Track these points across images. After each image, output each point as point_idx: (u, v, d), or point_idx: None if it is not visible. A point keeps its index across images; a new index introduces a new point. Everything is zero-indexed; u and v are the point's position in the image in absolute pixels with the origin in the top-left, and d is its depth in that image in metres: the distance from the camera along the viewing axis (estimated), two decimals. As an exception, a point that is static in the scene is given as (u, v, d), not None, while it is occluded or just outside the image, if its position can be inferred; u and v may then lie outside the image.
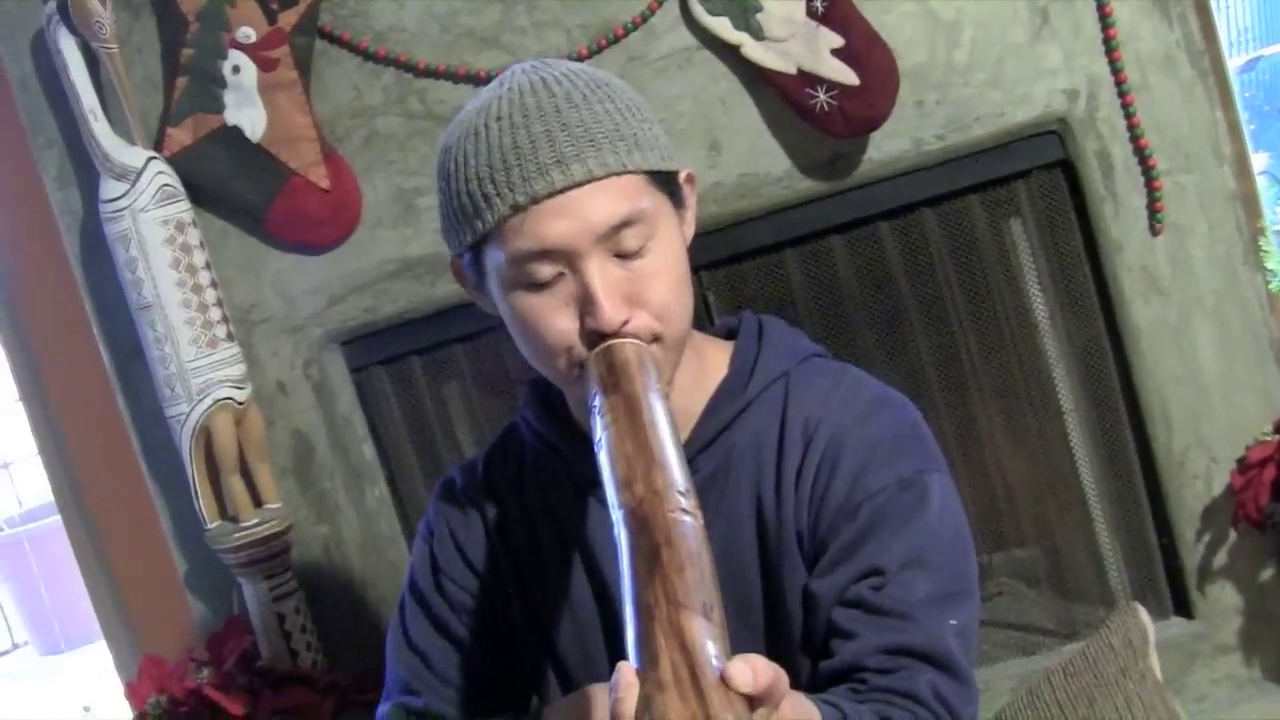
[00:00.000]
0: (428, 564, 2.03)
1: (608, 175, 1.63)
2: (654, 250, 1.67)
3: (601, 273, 1.63)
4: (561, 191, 1.61)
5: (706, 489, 1.80)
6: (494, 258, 1.68)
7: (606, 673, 1.85)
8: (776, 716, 1.27)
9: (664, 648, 1.23)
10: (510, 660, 2.00)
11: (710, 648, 1.23)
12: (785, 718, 1.31)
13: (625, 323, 1.64)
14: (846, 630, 1.68)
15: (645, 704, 1.19)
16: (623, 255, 1.65)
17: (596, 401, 1.60)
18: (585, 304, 1.64)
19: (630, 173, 1.65)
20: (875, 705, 1.60)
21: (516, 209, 1.62)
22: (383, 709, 2.02)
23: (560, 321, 1.66)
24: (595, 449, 1.55)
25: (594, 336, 1.65)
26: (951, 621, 1.69)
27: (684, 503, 1.41)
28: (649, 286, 1.66)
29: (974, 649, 1.74)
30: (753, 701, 1.21)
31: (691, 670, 1.20)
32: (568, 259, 1.63)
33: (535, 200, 1.61)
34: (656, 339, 1.68)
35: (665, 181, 1.71)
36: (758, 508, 1.80)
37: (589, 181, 1.62)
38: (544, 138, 1.62)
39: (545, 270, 1.64)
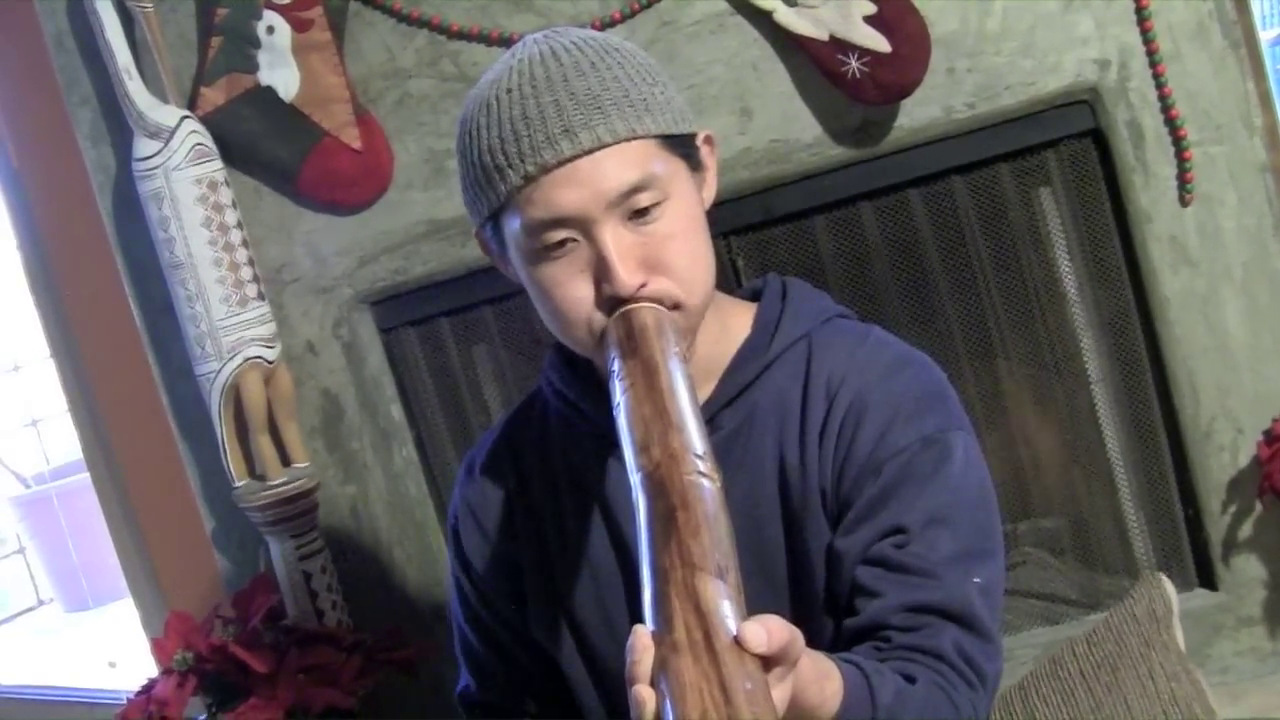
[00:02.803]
0: (454, 549, 2.07)
1: (617, 142, 1.64)
2: (669, 214, 1.68)
3: (615, 238, 1.65)
4: (571, 160, 1.63)
5: (729, 446, 1.81)
6: (511, 227, 1.70)
7: (626, 631, 1.87)
8: (794, 676, 1.28)
9: (679, 610, 1.24)
10: (530, 631, 2.03)
11: (725, 609, 1.24)
12: (803, 677, 1.32)
13: (642, 287, 1.65)
14: (870, 588, 1.69)
15: (660, 666, 1.21)
16: (637, 220, 1.66)
17: (615, 366, 1.61)
18: (601, 270, 1.66)
19: (640, 138, 1.66)
20: (898, 663, 1.61)
21: (528, 179, 1.64)
22: (457, 689, 2.14)
23: (578, 289, 1.68)
24: (614, 413, 1.57)
25: (612, 302, 1.67)
26: (975, 579, 1.70)
27: (701, 466, 1.42)
28: (666, 250, 1.67)
29: (998, 607, 1.75)
30: (768, 662, 1.23)
31: (706, 632, 1.21)
32: (581, 226, 1.65)
33: (545, 169, 1.63)
34: (677, 306, 1.69)
35: (680, 145, 1.72)
36: (780, 465, 1.81)
37: (598, 149, 1.63)
38: (552, 107, 1.63)
39: (560, 238, 1.66)
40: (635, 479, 1.45)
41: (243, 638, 3.27)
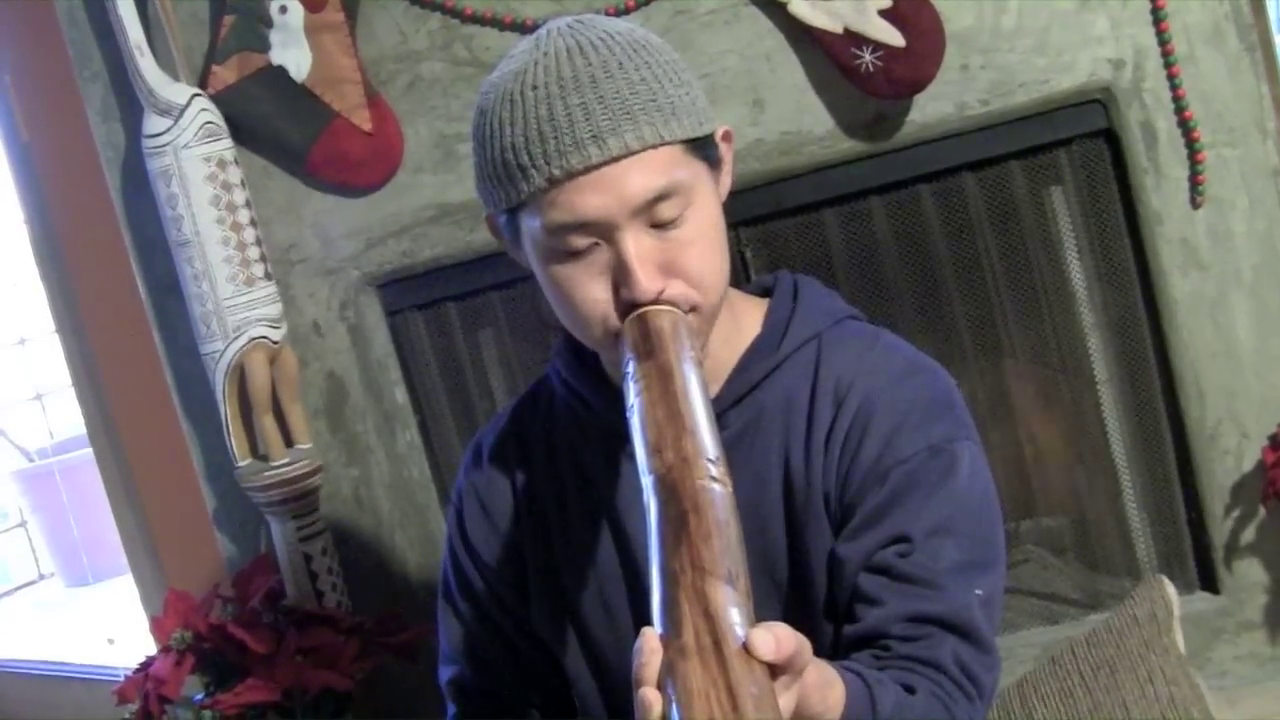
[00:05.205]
0: (457, 531, 2.06)
1: (645, 149, 1.62)
2: (690, 219, 1.67)
3: (637, 244, 1.64)
4: (597, 166, 1.61)
5: (735, 446, 1.79)
6: (530, 225, 1.68)
7: (629, 630, 1.87)
8: (799, 684, 1.28)
9: (688, 614, 1.24)
10: (532, 625, 2.02)
11: (734, 615, 1.24)
12: (808, 686, 1.32)
13: (660, 292, 1.64)
14: (872, 596, 1.69)
15: (668, 670, 1.20)
16: (658, 225, 1.65)
17: (630, 368, 1.60)
18: (620, 275, 1.65)
19: (667, 144, 1.64)
20: (898, 672, 1.61)
21: (552, 182, 1.62)
22: (442, 676, 2.10)
23: (595, 291, 1.67)
24: (628, 414, 1.57)
25: (629, 305, 1.66)
26: (977, 590, 1.70)
27: (713, 471, 1.42)
28: (685, 255, 1.66)
29: (998, 618, 1.75)
30: (775, 670, 1.22)
31: (714, 637, 1.20)
32: (603, 231, 1.64)
33: (571, 175, 1.61)
34: (694, 309, 1.68)
35: (702, 147, 1.70)
36: (785, 468, 1.81)
37: (625, 156, 1.61)
38: (580, 110, 1.61)
39: (580, 241, 1.65)
40: (647, 481, 1.44)
41: (242, 618, 3.27)
